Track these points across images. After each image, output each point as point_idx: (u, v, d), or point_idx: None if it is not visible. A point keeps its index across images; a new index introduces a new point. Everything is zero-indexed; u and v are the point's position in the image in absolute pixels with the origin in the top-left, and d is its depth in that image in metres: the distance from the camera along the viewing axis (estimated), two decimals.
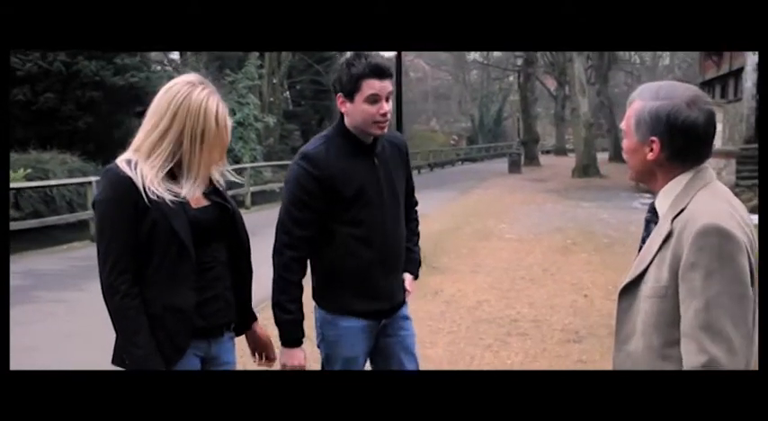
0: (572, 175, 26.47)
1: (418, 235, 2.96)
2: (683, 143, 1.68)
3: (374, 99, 2.49)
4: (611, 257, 9.27)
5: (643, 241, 1.80)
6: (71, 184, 13.80)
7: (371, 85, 2.48)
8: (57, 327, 6.08)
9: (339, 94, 2.55)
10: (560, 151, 46.19)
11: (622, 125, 1.79)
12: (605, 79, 36.93)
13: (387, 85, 2.51)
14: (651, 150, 1.71)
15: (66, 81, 18.06)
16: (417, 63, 51.18)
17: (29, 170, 13.27)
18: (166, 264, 2.16)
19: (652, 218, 1.80)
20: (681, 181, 1.72)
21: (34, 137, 16.46)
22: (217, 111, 2.18)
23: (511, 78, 48.16)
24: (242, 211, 2.49)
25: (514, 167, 30.44)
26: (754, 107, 18.30)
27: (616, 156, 37.37)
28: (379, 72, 2.49)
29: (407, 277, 2.84)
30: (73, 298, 6.97)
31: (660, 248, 1.68)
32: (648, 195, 18.17)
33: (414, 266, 2.89)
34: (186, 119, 2.16)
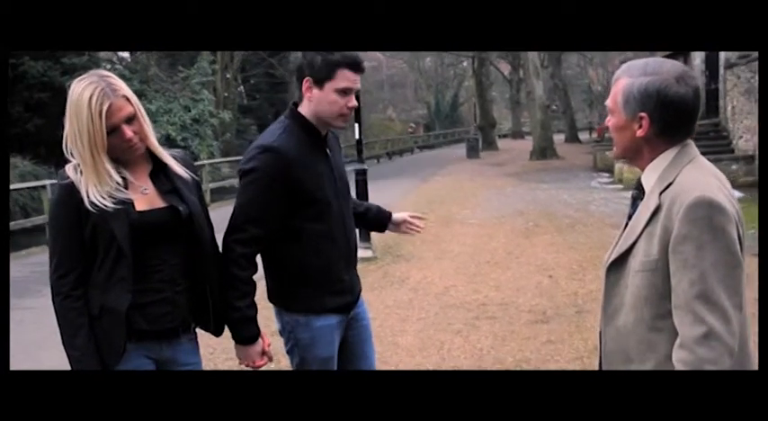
0: (530, 158, 26.70)
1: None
2: (672, 118, 1.69)
3: (346, 91, 2.39)
4: (574, 237, 9.39)
5: (629, 218, 1.80)
6: (24, 189, 13.48)
7: (346, 77, 2.37)
8: (26, 336, 5.88)
9: (308, 78, 2.40)
10: (517, 134, 46.57)
11: (608, 103, 1.78)
12: (558, 62, 37.27)
13: (358, 81, 2.43)
14: (640, 126, 1.71)
15: (12, 82, 17.57)
16: (372, 53, 51.03)
17: None
18: (106, 267, 2.15)
19: (638, 194, 1.80)
20: (667, 156, 1.73)
21: None
22: (90, 99, 2.06)
23: (465, 64, 48.36)
24: None
25: (473, 152, 30.60)
26: (703, 83, 18.70)
27: (572, 137, 37.91)
28: (356, 65, 2.39)
29: (403, 214, 2.93)
30: (39, 304, 6.76)
31: (649, 222, 1.68)
32: (606, 174, 18.46)
33: (384, 212, 2.93)
34: (72, 116, 2.10)
